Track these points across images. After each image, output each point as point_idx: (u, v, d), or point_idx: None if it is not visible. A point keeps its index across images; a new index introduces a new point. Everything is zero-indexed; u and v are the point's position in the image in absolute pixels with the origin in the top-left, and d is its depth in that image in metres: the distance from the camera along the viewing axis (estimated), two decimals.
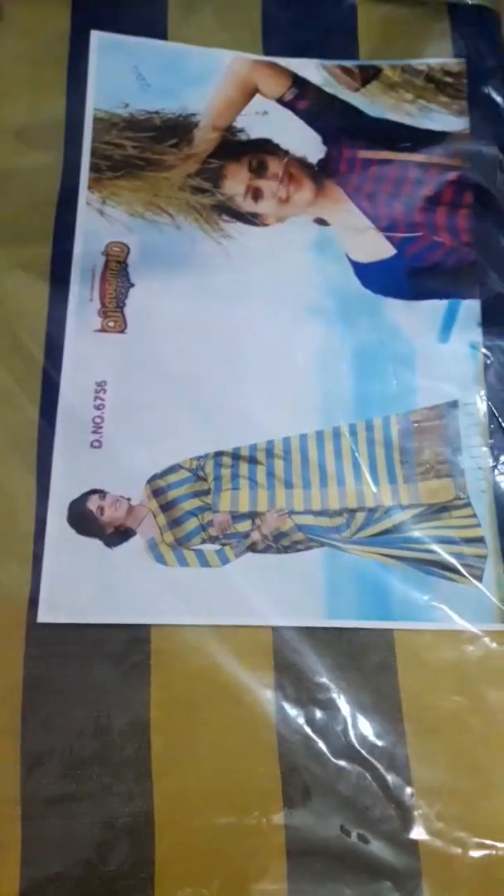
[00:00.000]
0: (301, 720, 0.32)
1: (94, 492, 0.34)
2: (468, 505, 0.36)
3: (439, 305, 0.39)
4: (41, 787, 0.31)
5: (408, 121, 0.42)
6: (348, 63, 0.42)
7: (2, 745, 0.31)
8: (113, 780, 0.31)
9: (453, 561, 0.35)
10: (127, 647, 0.33)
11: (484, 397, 0.38)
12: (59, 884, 0.30)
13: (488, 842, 0.32)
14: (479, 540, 0.36)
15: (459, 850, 0.32)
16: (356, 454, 0.36)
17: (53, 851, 0.30)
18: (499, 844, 0.32)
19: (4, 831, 0.30)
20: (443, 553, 0.35)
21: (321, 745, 0.32)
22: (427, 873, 0.31)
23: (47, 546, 0.33)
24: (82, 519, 0.34)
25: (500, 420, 0.37)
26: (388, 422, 0.37)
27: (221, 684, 0.33)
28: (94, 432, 0.35)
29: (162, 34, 0.41)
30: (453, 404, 0.38)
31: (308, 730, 0.32)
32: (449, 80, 0.42)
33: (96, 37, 0.40)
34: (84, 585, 0.33)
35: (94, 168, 0.39)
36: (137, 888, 0.30)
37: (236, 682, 0.33)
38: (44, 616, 0.33)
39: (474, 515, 0.36)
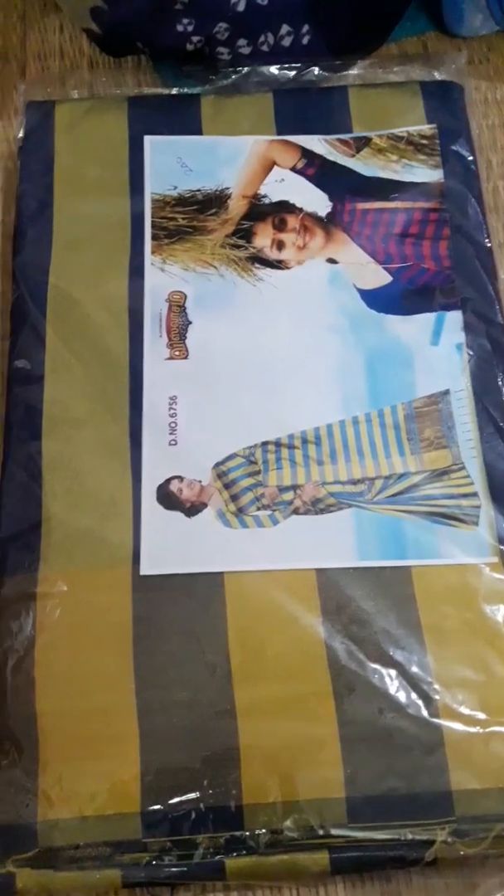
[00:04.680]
0: (343, 635, 0.42)
1: (174, 478, 0.45)
2: (463, 468, 0.46)
3: (430, 317, 0.49)
4: (151, 694, 0.40)
5: (394, 177, 0.52)
6: (344, 136, 0.53)
7: (120, 666, 0.41)
8: (204, 688, 0.41)
9: (454, 511, 0.45)
10: (207, 588, 0.42)
11: (469, 385, 0.48)
12: (168, 765, 0.39)
13: (495, 719, 0.41)
14: (474, 495, 0.45)
15: (474, 728, 0.41)
16: (372, 436, 0.47)
17: (164, 742, 0.40)
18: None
19: (126, 727, 0.40)
20: (446, 506, 0.45)
21: (360, 653, 0.41)
22: (448, 745, 0.40)
23: (143, 519, 0.44)
24: (167, 498, 0.45)
25: (483, 401, 0.47)
26: (395, 410, 0.47)
27: (280, 613, 0.42)
28: (170, 434, 0.46)
29: (198, 131, 0.53)
30: (446, 392, 0.48)
31: (349, 642, 0.41)
32: (424, 142, 0.53)
33: (149, 140, 0.52)
34: (173, 546, 0.43)
35: (155, 237, 0.50)
36: (228, 767, 0.39)
37: (291, 610, 0.42)
38: (145, 570, 0.42)
39: (468, 476, 0.46)
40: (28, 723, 0.40)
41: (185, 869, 0.39)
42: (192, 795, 0.39)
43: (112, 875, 0.38)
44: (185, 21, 0.50)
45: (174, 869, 0.39)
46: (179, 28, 0.51)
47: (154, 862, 0.39)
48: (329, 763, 0.40)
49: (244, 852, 0.39)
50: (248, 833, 0.39)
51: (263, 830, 0.39)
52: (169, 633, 0.42)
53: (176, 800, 0.39)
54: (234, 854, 0.39)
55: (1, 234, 0.52)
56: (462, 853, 0.39)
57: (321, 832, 0.39)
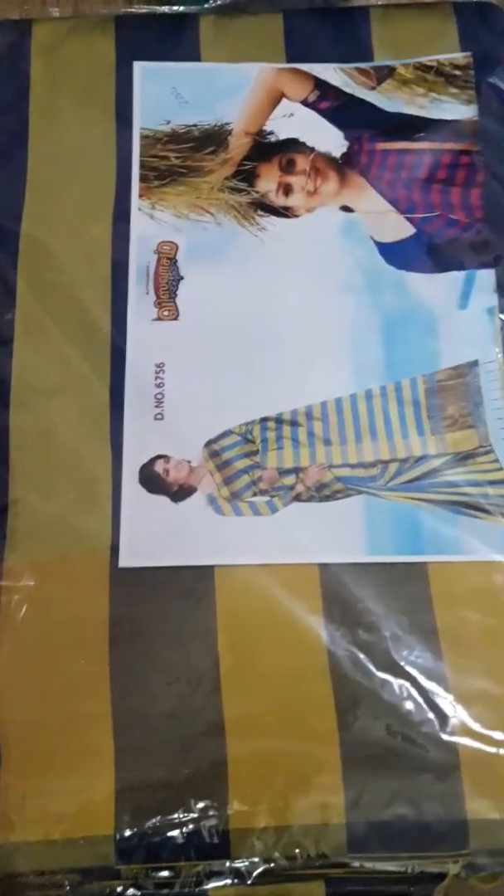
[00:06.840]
0: (348, 641, 0.37)
1: (159, 457, 0.40)
2: (491, 451, 0.41)
3: (457, 276, 0.43)
4: (128, 704, 0.37)
5: (421, 113, 0.46)
6: (364, 65, 0.47)
7: (94, 671, 0.37)
8: (189, 697, 0.37)
9: (479, 501, 0.40)
10: (194, 584, 0.38)
11: (501, 356, 0.42)
12: (147, 783, 0.36)
13: None
14: (502, 482, 0.40)
15: (494, 749, 0.36)
16: (387, 413, 0.41)
17: (142, 757, 0.36)
18: None
19: (100, 740, 0.36)
20: (470, 494, 0.40)
21: (367, 661, 0.37)
22: (465, 768, 0.36)
23: (124, 504, 0.39)
24: (151, 480, 0.40)
25: None
26: (414, 382, 0.42)
27: (277, 613, 0.38)
28: (156, 406, 0.41)
29: (196, 57, 0.46)
30: (474, 363, 0.42)
31: (354, 648, 0.37)
32: (457, 72, 0.47)
33: (139, 66, 0.46)
34: (156, 535, 0.39)
35: (143, 179, 0.44)
36: (213, 787, 0.36)
37: (289, 610, 0.38)
38: (124, 561, 0.38)
39: (497, 461, 0.40)
40: None
41: None
42: (172, 818, 0.36)
43: None
44: None
45: None
46: None
47: (129, 891, 0.35)
48: (329, 785, 0.36)
49: (230, 882, 0.35)
50: (234, 863, 0.35)
51: (253, 859, 0.35)
52: (150, 635, 0.38)
53: (154, 822, 0.36)
54: (219, 884, 0.35)
55: None
56: (476, 889, 0.34)
57: (318, 862, 0.35)
